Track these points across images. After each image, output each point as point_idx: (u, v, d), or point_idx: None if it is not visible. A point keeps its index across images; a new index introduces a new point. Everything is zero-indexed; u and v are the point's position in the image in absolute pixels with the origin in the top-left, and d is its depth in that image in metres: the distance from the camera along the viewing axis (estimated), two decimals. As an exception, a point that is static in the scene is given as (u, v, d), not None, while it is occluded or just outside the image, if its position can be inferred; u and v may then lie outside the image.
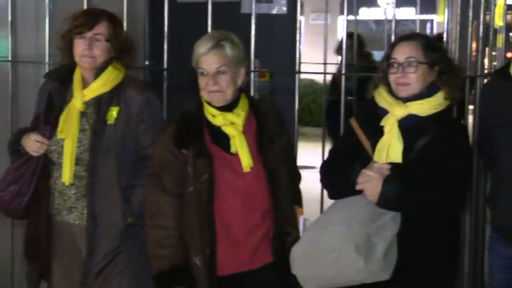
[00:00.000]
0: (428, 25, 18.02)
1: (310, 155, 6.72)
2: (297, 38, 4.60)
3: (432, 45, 3.46)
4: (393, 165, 3.32)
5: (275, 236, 3.52)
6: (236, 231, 3.46)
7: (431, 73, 3.42)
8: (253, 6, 4.58)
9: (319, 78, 8.69)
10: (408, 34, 3.56)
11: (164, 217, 3.45)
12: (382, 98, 3.47)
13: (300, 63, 4.74)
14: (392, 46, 3.50)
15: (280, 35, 6.00)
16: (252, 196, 3.47)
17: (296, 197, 3.70)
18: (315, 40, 6.95)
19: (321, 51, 5.53)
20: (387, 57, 3.47)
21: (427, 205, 3.30)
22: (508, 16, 4.51)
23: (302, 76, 4.95)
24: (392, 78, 3.42)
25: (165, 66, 4.64)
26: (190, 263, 3.44)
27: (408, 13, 12.31)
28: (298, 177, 3.76)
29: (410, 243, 3.29)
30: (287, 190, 3.57)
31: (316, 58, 6.81)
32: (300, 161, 4.03)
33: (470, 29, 4.53)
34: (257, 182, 3.47)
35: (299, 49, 4.71)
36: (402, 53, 3.41)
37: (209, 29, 4.47)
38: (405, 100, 3.40)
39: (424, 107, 3.39)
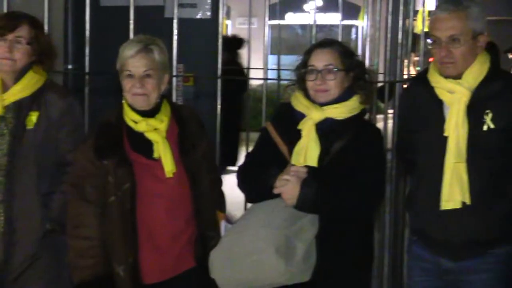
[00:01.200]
0: (353, 30, 18.27)
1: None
2: (219, 42, 4.60)
3: (347, 52, 3.53)
4: (311, 168, 3.37)
5: (197, 241, 3.53)
6: (160, 238, 3.46)
7: (347, 79, 3.49)
8: (175, 11, 4.57)
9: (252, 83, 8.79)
10: (324, 41, 3.62)
11: (87, 227, 3.43)
12: (299, 102, 3.52)
13: (222, 69, 4.73)
14: (308, 53, 3.55)
15: (205, 39, 6.01)
16: (175, 202, 3.47)
17: (219, 202, 3.72)
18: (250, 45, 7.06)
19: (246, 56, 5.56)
20: (304, 64, 3.52)
21: (344, 207, 3.36)
22: (427, 22, 4.58)
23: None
24: (310, 84, 3.47)
25: (86, 70, 4.61)
26: (113, 273, 3.42)
27: (334, 18, 12.47)
28: (219, 182, 3.78)
29: (328, 245, 3.35)
30: (209, 194, 3.58)
31: (243, 63, 6.85)
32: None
33: (389, 35, 4.62)
34: (180, 187, 3.47)
35: (221, 54, 4.71)
36: (321, 60, 3.47)
37: (131, 34, 4.45)
38: (322, 104, 3.46)
39: (340, 111, 3.46)
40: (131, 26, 4.50)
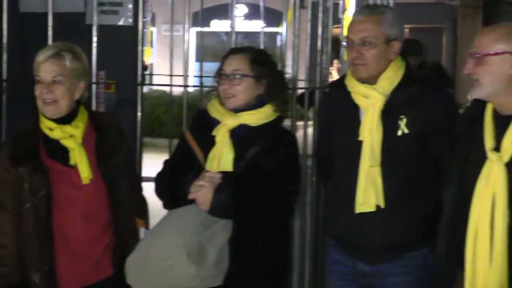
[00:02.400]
0: (278, 37, 18.39)
1: (160, 166, 6.70)
2: (139, 49, 4.60)
3: (260, 60, 3.56)
4: (225, 174, 3.39)
5: (115, 248, 3.51)
6: (77, 244, 3.44)
7: (259, 86, 3.53)
8: (95, 18, 4.55)
9: (173, 90, 8.74)
10: (239, 47, 3.68)
11: (2, 236, 3.40)
12: (214, 109, 3.56)
13: (144, 74, 4.73)
14: (223, 58, 3.59)
15: (128, 46, 5.97)
16: (92, 208, 3.45)
17: (138, 209, 3.71)
18: (167, 51, 6.99)
19: (173, 63, 5.55)
20: (219, 69, 3.56)
21: (258, 212, 3.40)
22: (337, 30, 4.65)
23: (154, 87, 4.96)
24: (221, 89, 3.53)
25: (4, 77, 4.54)
26: (29, 281, 3.38)
27: (259, 25, 12.52)
28: (139, 189, 3.77)
29: (242, 249, 3.38)
30: (128, 201, 3.58)
31: (168, 70, 6.83)
32: (149, 173, 4.02)
33: (309, 42, 4.68)
34: (97, 194, 3.46)
35: (142, 61, 4.71)
36: (230, 65, 3.52)
37: (50, 40, 4.41)
38: (236, 110, 3.49)
39: (255, 117, 3.50)
40: (50, 33, 4.46)
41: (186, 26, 4.63)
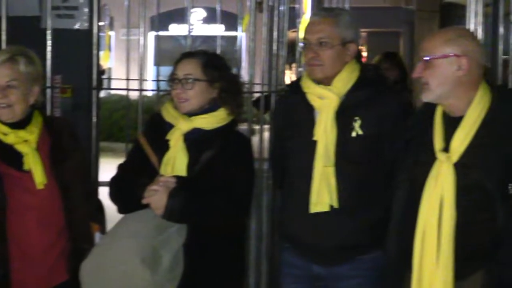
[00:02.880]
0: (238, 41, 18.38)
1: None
2: (94, 53, 4.59)
3: (212, 63, 3.57)
4: (180, 178, 3.40)
5: (70, 253, 3.50)
6: (31, 250, 3.42)
7: (212, 90, 3.54)
8: (49, 21, 4.53)
9: (131, 94, 8.68)
10: (191, 52, 3.69)
11: None
12: (168, 112, 3.56)
13: (101, 79, 4.71)
14: (176, 63, 3.60)
15: (83, 50, 5.94)
16: (46, 214, 3.44)
17: (93, 214, 3.70)
18: (125, 55, 6.96)
19: (133, 67, 5.53)
20: (172, 73, 3.57)
21: (212, 216, 3.41)
22: (293, 34, 4.68)
23: (113, 91, 4.96)
24: (173, 93, 3.53)
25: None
26: None
27: (218, 29, 12.53)
28: (94, 194, 3.76)
29: (196, 254, 3.39)
30: (82, 206, 3.56)
31: (129, 74, 6.81)
32: (107, 177, 3.99)
33: (264, 46, 4.70)
34: (51, 199, 3.44)
35: (99, 65, 4.69)
36: (182, 69, 3.53)
37: (3, 45, 4.37)
38: (190, 114, 3.50)
39: (208, 121, 3.52)
40: (3, 37, 4.43)
41: (142, 30, 4.62)
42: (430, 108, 3.28)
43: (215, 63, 3.58)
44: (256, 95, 5.75)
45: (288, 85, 4.04)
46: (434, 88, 3.16)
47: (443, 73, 3.15)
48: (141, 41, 4.57)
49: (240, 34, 4.77)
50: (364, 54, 20.11)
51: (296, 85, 3.68)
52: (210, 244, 3.43)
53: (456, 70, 3.15)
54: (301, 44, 3.59)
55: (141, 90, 4.66)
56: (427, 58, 3.16)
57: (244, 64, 5.60)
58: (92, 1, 4.83)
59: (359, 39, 3.63)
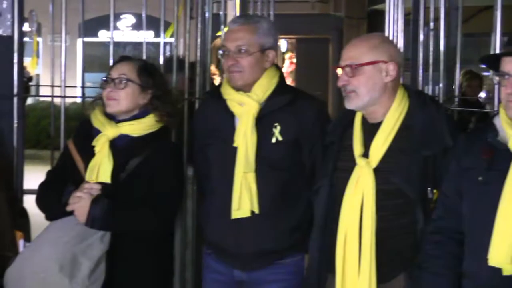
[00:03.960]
0: (168, 47, 18.32)
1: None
2: (17, 60, 4.52)
3: (147, 70, 3.60)
4: (106, 185, 3.39)
5: None
6: None
7: (144, 96, 3.56)
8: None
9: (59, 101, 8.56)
10: (127, 56, 3.69)
11: None
12: (96, 118, 3.56)
13: (28, 85, 4.66)
14: (112, 65, 3.62)
15: (7, 57, 5.84)
16: None
17: (17, 221, 3.66)
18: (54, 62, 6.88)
19: (59, 73, 5.44)
20: (106, 75, 3.59)
21: (137, 224, 3.41)
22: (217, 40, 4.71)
23: (41, 98, 4.89)
24: (104, 93, 3.54)
25: None
26: None
27: (147, 35, 12.46)
28: (18, 201, 3.72)
29: (119, 261, 3.39)
30: (5, 214, 3.52)
31: (55, 81, 6.70)
32: (33, 185, 3.95)
33: (187, 53, 4.70)
34: None
35: (24, 72, 4.62)
36: (117, 70, 3.55)
37: None
38: (118, 120, 3.50)
39: (135, 128, 3.52)
40: None
41: (63, 35, 4.59)
42: (349, 113, 3.33)
43: (150, 70, 3.61)
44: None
45: (208, 92, 4.07)
46: (363, 96, 3.20)
47: (373, 80, 3.20)
48: (63, 48, 4.53)
49: (161, 41, 4.76)
50: (294, 60, 20.30)
51: (216, 92, 3.69)
52: (134, 251, 3.43)
53: (385, 76, 3.21)
54: (220, 52, 3.60)
55: (64, 97, 4.62)
56: (355, 66, 3.19)
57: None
58: (15, 7, 4.74)
59: (277, 45, 3.66)
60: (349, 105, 3.25)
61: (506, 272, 2.76)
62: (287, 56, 20.70)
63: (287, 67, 20.47)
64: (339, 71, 3.24)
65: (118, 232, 3.37)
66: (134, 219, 3.39)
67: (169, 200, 3.49)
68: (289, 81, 20.47)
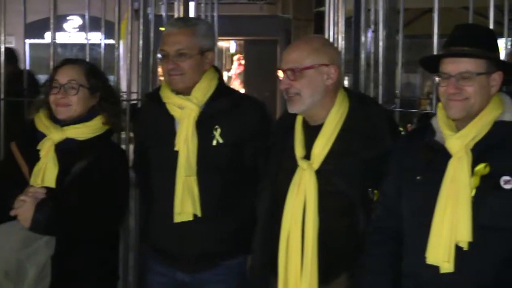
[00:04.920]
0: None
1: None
2: None
3: (94, 72, 3.56)
4: (51, 189, 3.35)
5: None
6: None
7: (92, 99, 3.52)
8: None
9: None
10: (73, 58, 3.64)
11: None
12: (40, 121, 3.50)
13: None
14: (55, 69, 3.56)
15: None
16: None
17: None
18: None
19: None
20: (51, 79, 3.51)
21: (82, 228, 3.38)
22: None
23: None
24: (52, 98, 3.48)
25: None
26: None
27: (95, 37, 12.37)
28: None
29: (65, 265, 3.35)
30: None
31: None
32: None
33: (129, 54, 4.69)
34: None
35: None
36: (65, 75, 3.48)
37: None
38: (64, 124, 3.46)
39: (81, 131, 3.48)
40: None
41: (3, 38, 4.55)
42: (291, 115, 3.34)
43: (95, 72, 3.57)
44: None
45: (147, 95, 4.04)
46: (306, 98, 3.22)
47: (315, 83, 3.21)
48: (2, 49, 4.48)
49: (102, 41, 4.74)
50: (242, 62, 20.32)
51: (155, 95, 3.68)
52: (79, 255, 3.39)
53: (326, 79, 3.23)
54: (159, 55, 3.57)
55: (4, 99, 4.58)
56: (297, 69, 3.20)
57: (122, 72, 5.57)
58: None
59: (215, 46, 3.66)
60: (291, 108, 3.26)
61: (443, 270, 2.81)
62: (235, 57, 20.73)
63: (236, 69, 20.51)
64: (280, 74, 3.25)
65: (62, 236, 3.33)
66: (80, 223, 3.36)
67: (115, 203, 3.47)
68: (237, 82, 20.56)
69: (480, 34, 2.93)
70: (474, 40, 2.87)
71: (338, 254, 3.23)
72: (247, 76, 19.47)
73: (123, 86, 4.97)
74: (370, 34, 4.81)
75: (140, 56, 4.73)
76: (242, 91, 19.36)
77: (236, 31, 17.59)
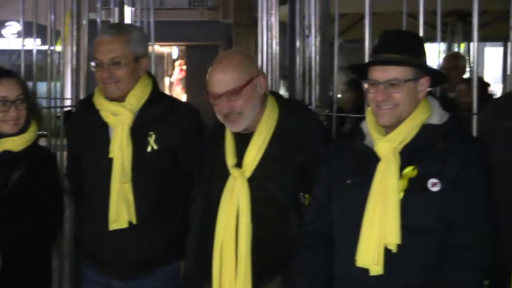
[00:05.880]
0: (56, 56, 18.00)
1: None
2: None
3: (23, 82, 3.53)
4: None
5: None
6: None
7: (29, 110, 3.49)
8: None
9: None
10: (7, 70, 3.55)
11: None
12: None
13: None
14: None
15: None
16: None
17: None
18: None
19: None
20: None
21: (23, 238, 3.34)
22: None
23: None
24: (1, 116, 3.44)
25: None
26: None
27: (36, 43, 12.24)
28: None
29: (7, 278, 3.32)
30: None
31: None
32: None
33: (62, 61, 4.66)
34: None
35: None
36: (11, 91, 3.44)
37: None
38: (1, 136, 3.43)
39: (18, 143, 3.46)
40: None
41: None
42: (222, 123, 3.34)
43: (23, 81, 3.55)
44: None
45: (80, 102, 4.01)
46: (248, 115, 3.24)
47: (253, 97, 3.23)
48: None
49: (36, 48, 4.70)
50: (184, 67, 20.30)
51: (88, 102, 3.65)
52: (11, 266, 3.33)
53: (259, 89, 3.25)
54: (93, 64, 3.53)
55: None
56: (239, 88, 3.19)
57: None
58: None
59: (148, 52, 3.65)
60: (235, 128, 3.25)
61: (373, 272, 2.84)
62: (177, 63, 20.70)
63: (178, 74, 20.48)
64: (214, 98, 3.22)
65: (4, 248, 3.29)
66: (20, 234, 3.32)
67: (53, 209, 3.46)
68: (179, 88, 20.53)
69: (407, 40, 2.97)
70: (401, 46, 2.91)
71: (272, 258, 3.26)
72: (189, 82, 19.45)
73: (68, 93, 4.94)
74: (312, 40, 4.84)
75: (74, 62, 4.69)
76: (184, 96, 19.38)
77: (178, 36, 17.56)
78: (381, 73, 2.90)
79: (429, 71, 2.96)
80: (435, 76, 3.01)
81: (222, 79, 3.21)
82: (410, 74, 2.89)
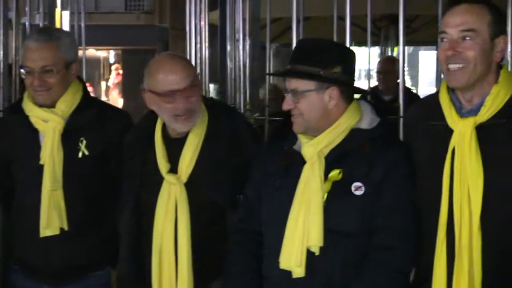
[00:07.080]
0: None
1: None
2: None
3: None
4: None
5: None
6: None
7: None
8: None
9: None
10: None
11: None
12: None
13: None
14: None
15: None
16: None
17: None
18: None
19: None
20: None
21: None
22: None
23: None
24: None
25: None
26: None
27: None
28: None
29: None
30: None
31: None
32: None
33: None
34: None
35: None
36: None
37: None
38: None
39: None
40: None
41: None
42: (148, 127, 3.35)
43: None
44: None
45: (9, 107, 3.97)
46: (198, 113, 3.24)
47: (197, 99, 3.24)
48: None
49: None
50: (121, 71, 20.17)
51: (17, 108, 3.62)
52: None
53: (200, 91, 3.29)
54: (22, 71, 3.50)
55: None
56: (189, 86, 3.18)
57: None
58: None
59: (78, 58, 3.62)
60: (186, 126, 3.22)
61: (295, 274, 2.88)
62: (114, 67, 20.56)
63: (114, 78, 20.34)
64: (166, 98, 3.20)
65: None
66: None
67: None
68: (116, 92, 20.38)
69: (318, 49, 2.96)
70: (306, 57, 2.93)
71: (213, 260, 3.27)
72: (125, 86, 19.34)
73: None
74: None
75: (2, 66, 4.64)
76: (121, 100, 19.27)
77: (114, 40, 17.44)
78: (287, 83, 2.95)
79: (333, 82, 2.93)
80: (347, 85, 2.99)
81: (173, 78, 3.18)
82: (311, 85, 2.91)
